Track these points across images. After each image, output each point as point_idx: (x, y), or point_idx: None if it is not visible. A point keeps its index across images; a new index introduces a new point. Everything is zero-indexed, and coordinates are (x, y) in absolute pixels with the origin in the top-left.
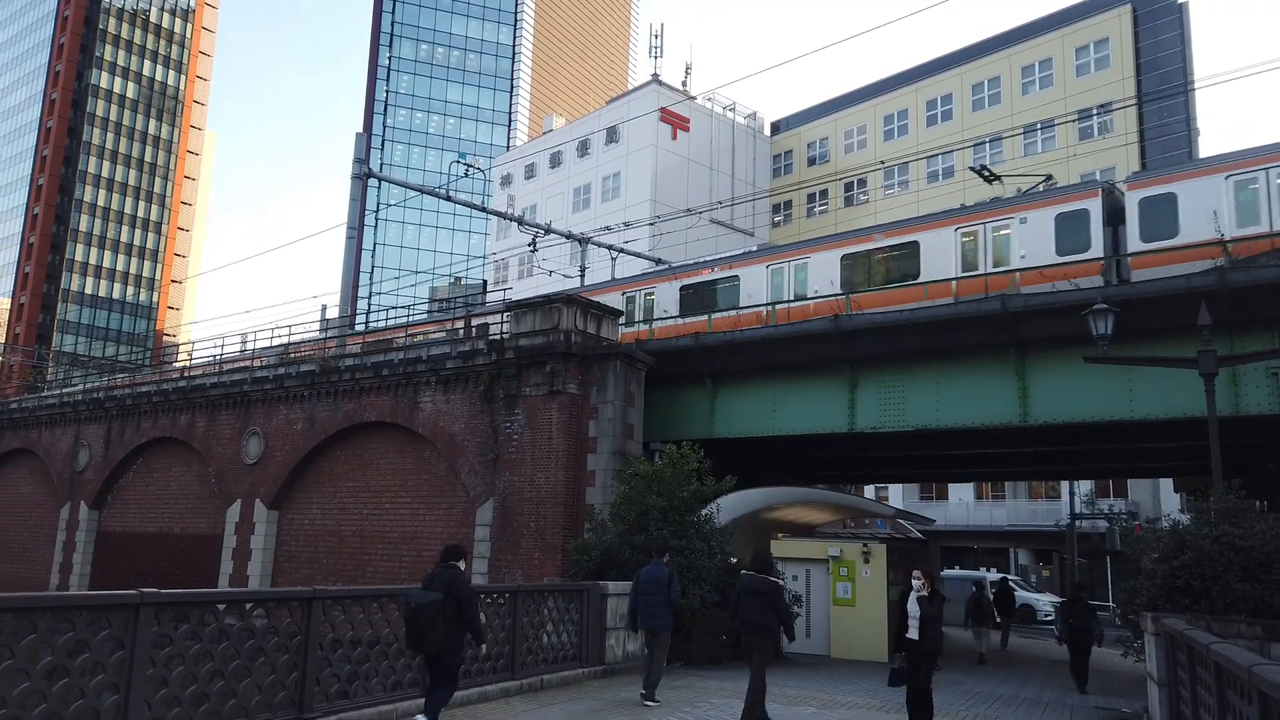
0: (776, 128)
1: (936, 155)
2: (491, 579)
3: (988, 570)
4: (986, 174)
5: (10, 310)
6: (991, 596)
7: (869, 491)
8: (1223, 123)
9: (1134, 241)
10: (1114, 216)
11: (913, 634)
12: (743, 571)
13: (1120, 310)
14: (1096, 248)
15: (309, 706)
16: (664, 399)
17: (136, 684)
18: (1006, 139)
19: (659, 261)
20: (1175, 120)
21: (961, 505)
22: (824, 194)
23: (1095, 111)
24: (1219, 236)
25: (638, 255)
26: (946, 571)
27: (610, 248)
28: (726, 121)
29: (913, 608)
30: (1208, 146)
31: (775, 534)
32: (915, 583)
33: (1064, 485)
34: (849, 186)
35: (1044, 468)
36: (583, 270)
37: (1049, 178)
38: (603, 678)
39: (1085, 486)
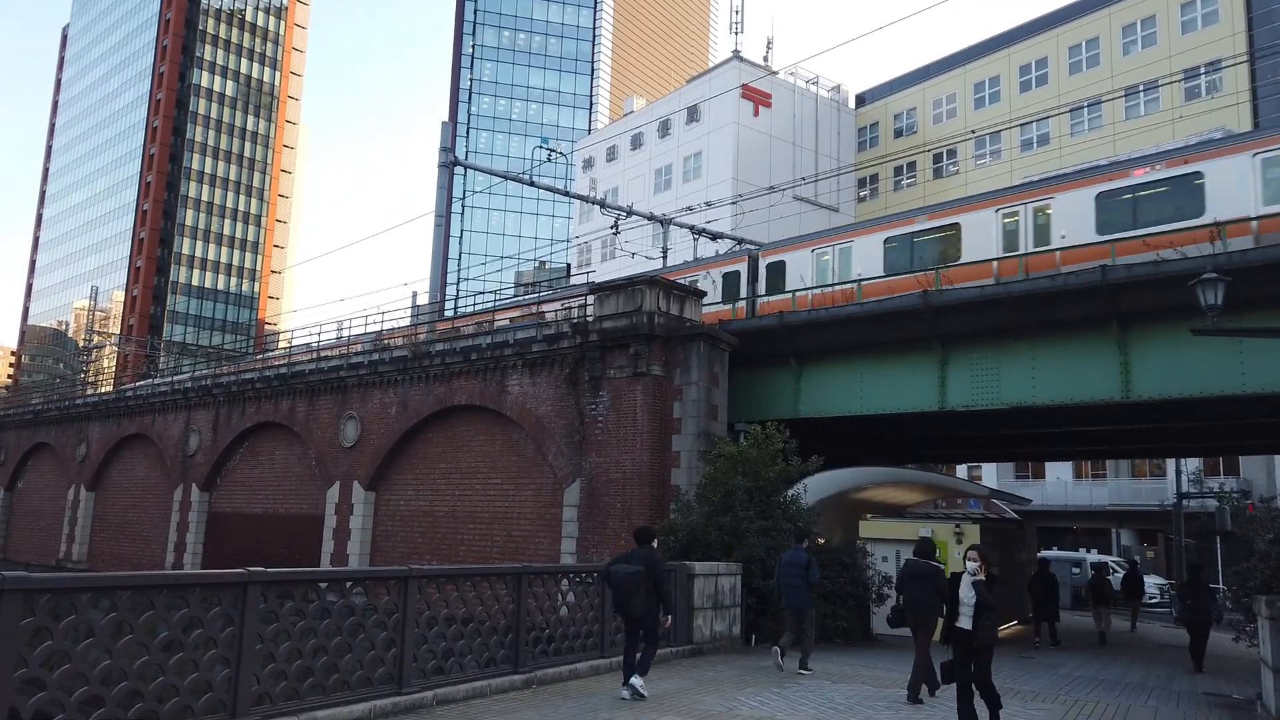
0: (861, 100)
1: (1030, 122)
2: (580, 558)
3: (1088, 551)
4: None
5: (124, 302)
6: (1122, 578)
7: (961, 471)
8: None
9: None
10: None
11: (964, 623)
12: (907, 558)
13: (1231, 279)
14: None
15: (407, 682)
16: (748, 379)
17: (245, 658)
18: (1106, 103)
19: (740, 242)
20: None
21: (1060, 484)
22: (911, 167)
23: (1203, 70)
24: None
25: (719, 235)
26: (1045, 553)
27: (692, 228)
28: (809, 96)
29: (966, 593)
30: None
31: (864, 514)
32: (970, 564)
33: (1169, 463)
34: (938, 158)
35: (1148, 445)
36: (665, 252)
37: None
38: (690, 656)
39: (1193, 464)
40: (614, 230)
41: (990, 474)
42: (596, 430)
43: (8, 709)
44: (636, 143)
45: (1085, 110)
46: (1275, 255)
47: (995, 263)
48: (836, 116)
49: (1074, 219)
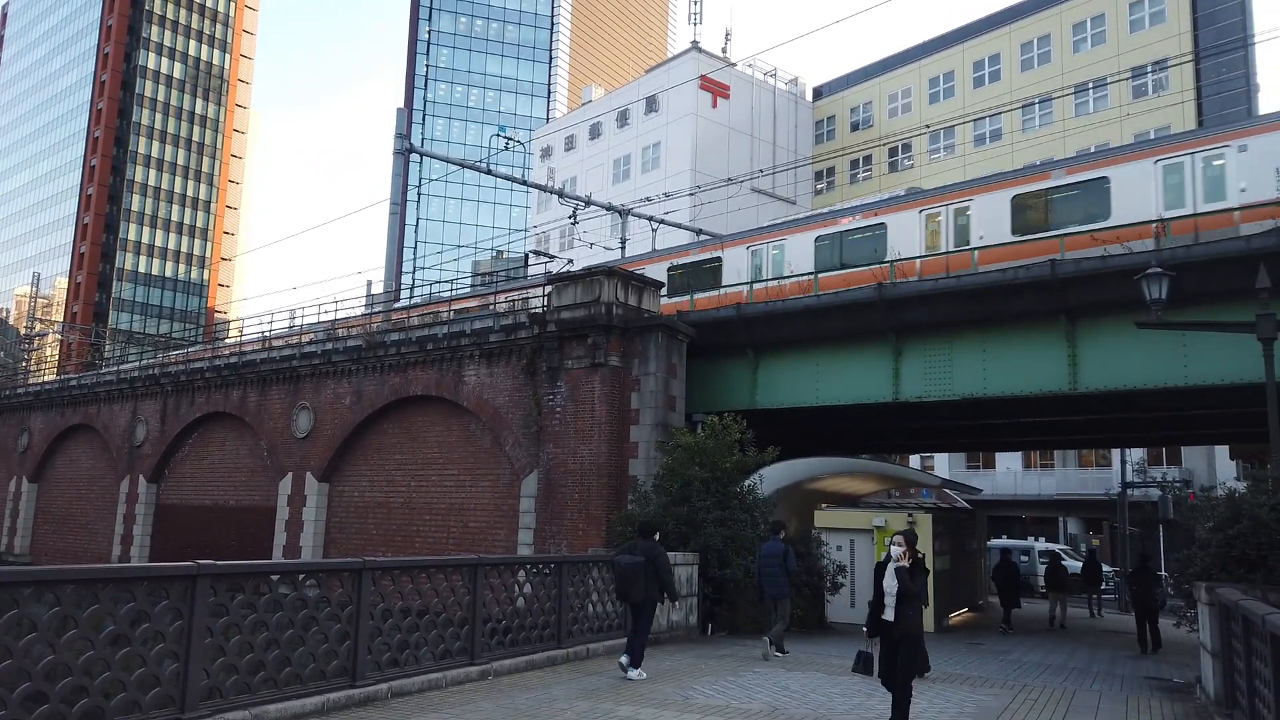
0: (819, 93)
1: (984, 118)
2: (537, 549)
3: (1036, 539)
4: None
5: (68, 289)
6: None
7: (914, 461)
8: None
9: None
10: None
11: (889, 614)
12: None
13: (1175, 274)
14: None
15: (361, 674)
16: (706, 370)
17: (195, 653)
18: (1057, 99)
19: (700, 233)
20: (1234, 76)
21: (1009, 474)
22: (868, 160)
23: (1150, 69)
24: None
25: (678, 226)
26: (994, 541)
27: (650, 219)
28: (767, 88)
29: (889, 582)
30: (1268, 103)
31: (819, 504)
32: (893, 549)
33: (1115, 453)
34: (893, 152)
35: (1094, 436)
36: (623, 242)
37: None
38: (648, 646)
39: (1137, 454)
40: (572, 220)
41: (942, 464)
42: (554, 421)
43: None
44: (595, 132)
45: (1036, 106)
46: (1218, 251)
47: (919, 262)
48: (794, 109)
49: (992, 220)
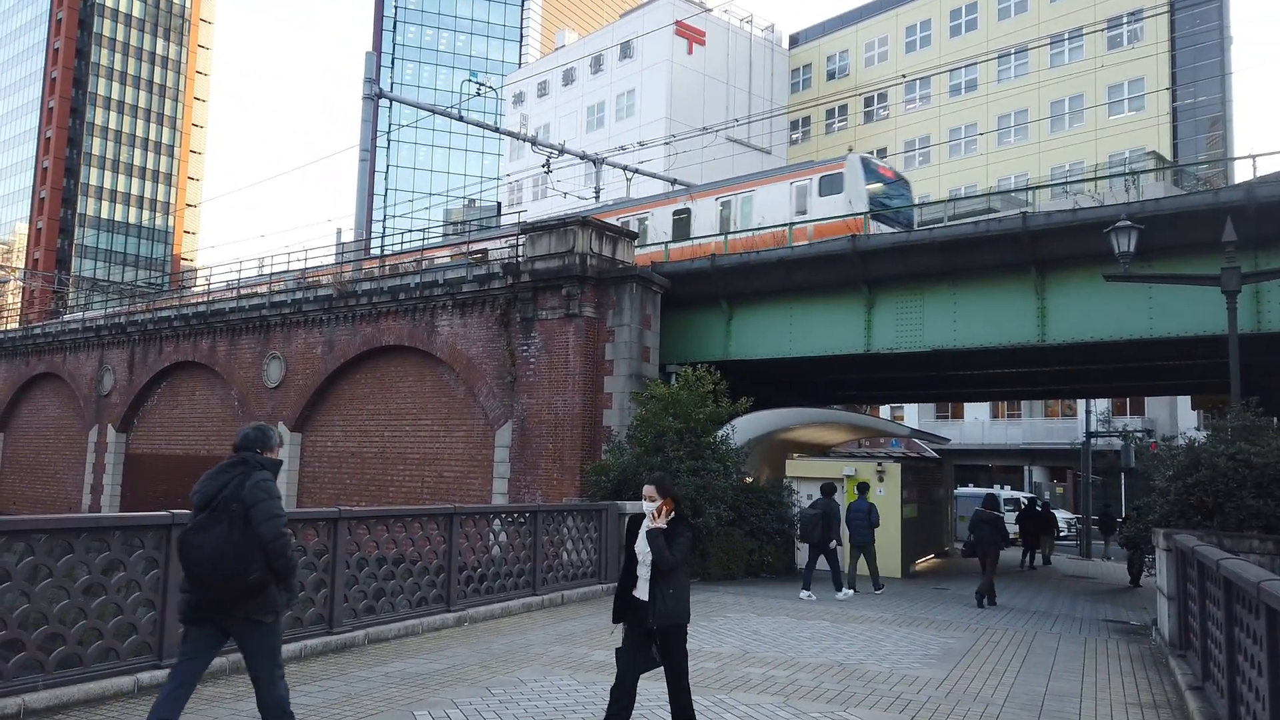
0: (795, 40)
1: (960, 68)
2: (511, 499)
3: (1002, 488)
4: None
5: (29, 235)
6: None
7: (885, 412)
8: (1259, 27)
9: None
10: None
11: (641, 592)
12: (976, 509)
13: (1143, 227)
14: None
15: (338, 622)
16: (680, 321)
17: (171, 601)
18: (1033, 50)
19: (674, 182)
20: (1208, 28)
21: (977, 424)
22: (843, 110)
23: (1125, 19)
24: None
25: (653, 175)
26: (961, 489)
27: (625, 168)
28: (744, 35)
29: (641, 547)
30: (1239, 55)
31: (790, 454)
32: (646, 505)
33: (1080, 403)
34: (869, 102)
35: (1061, 386)
36: (597, 192)
37: None
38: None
39: (1102, 405)
40: (545, 169)
41: (912, 414)
42: (528, 372)
43: None
44: (568, 78)
45: (1013, 57)
46: (1185, 204)
47: (713, 241)
48: (770, 57)
49: (774, 206)
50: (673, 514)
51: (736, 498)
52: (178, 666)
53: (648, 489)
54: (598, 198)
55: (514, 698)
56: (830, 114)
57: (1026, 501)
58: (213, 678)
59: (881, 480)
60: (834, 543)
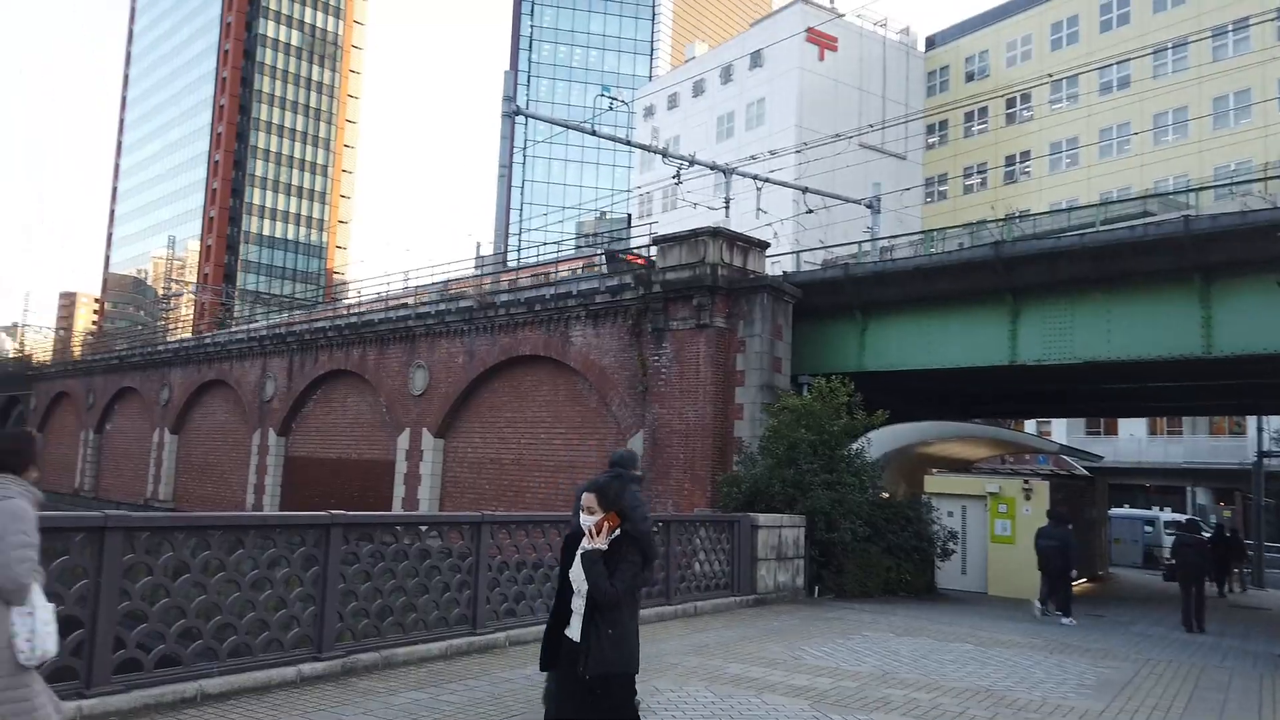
0: (931, 43)
1: (1111, 65)
2: None
3: (1161, 510)
4: None
5: (200, 252)
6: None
7: (1030, 426)
8: None
9: None
10: None
11: (575, 630)
12: (1179, 532)
13: None
14: None
15: (481, 623)
16: (812, 332)
17: (330, 596)
18: (1193, 43)
19: (805, 190)
20: None
21: (1133, 441)
22: (983, 112)
23: None
24: None
25: (783, 184)
26: (1115, 510)
27: (755, 177)
28: (876, 39)
29: (577, 574)
30: None
31: (929, 469)
32: (584, 518)
33: (1250, 420)
34: (1011, 103)
35: (1228, 401)
36: (727, 202)
37: None
38: (754, 606)
39: (1276, 422)
40: (675, 180)
41: (1060, 430)
42: (660, 381)
43: (112, 640)
44: (698, 89)
45: (1170, 52)
46: None
47: None
48: (905, 60)
49: None
50: (616, 531)
51: (873, 513)
52: None
53: (586, 497)
54: (727, 208)
55: (651, 707)
56: (969, 117)
57: (1213, 528)
58: (366, 671)
59: (1028, 499)
60: (1073, 571)
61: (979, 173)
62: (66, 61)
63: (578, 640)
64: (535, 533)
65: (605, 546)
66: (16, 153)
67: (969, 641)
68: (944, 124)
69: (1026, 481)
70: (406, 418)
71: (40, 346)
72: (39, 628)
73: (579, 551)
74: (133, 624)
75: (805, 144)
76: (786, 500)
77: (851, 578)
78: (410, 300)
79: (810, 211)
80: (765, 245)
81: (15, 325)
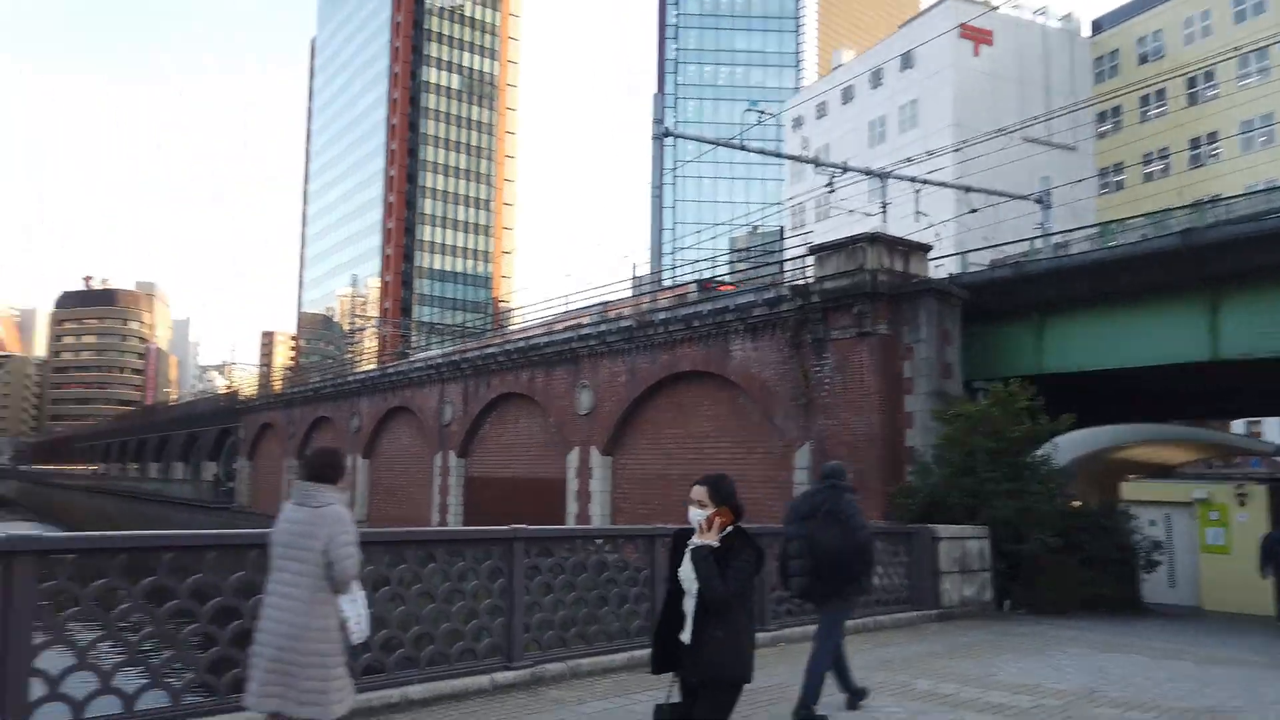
0: (1098, 26)
1: None
2: None
3: None
4: None
5: (379, 288)
6: None
7: (1237, 427)
8: None
9: None
10: None
11: (687, 633)
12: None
13: None
14: None
15: None
16: (983, 335)
17: (516, 607)
18: None
19: (968, 190)
20: None
21: None
22: (1160, 95)
23: None
24: None
25: (943, 185)
26: None
27: (912, 179)
28: (1035, 28)
29: (687, 573)
30: None
31: (1124, 476)
32: (694, 513)
33: None
34: (1192, 82)
35: None
36: (884, 207)
37: None
38: (939, 621)
39: None
40: (829, 189)
41: (1273, 428)
42: (823, 392)
43: None
44: (847, 96)
45: None
46: None
47: None
48: (1069, 47)
49: None
50: (729, 529)
51: (1064, 523)
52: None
53: (696, 490)
54: (884, 213)
55: None
56: (1145, 101)
57: None
58: (554, 680)
59: (1243, 504)
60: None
61: (1160, 158)
62: (258, 125)
63: (689, 643)
64: None
65: (716, 543)
66: (221, 213)
67: (1185, 658)
68: (1116, 110)
69: (1240, 486)
70: (575, 436)
71: (246, 382)
72: (361, 613)
73: (691, 546)
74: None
75: (964, 142)
76: (966, 510)
77: (1044, 591)
78: (571, 323)
79: (974, 211)
80: (927, 248)
81: (224, 364)
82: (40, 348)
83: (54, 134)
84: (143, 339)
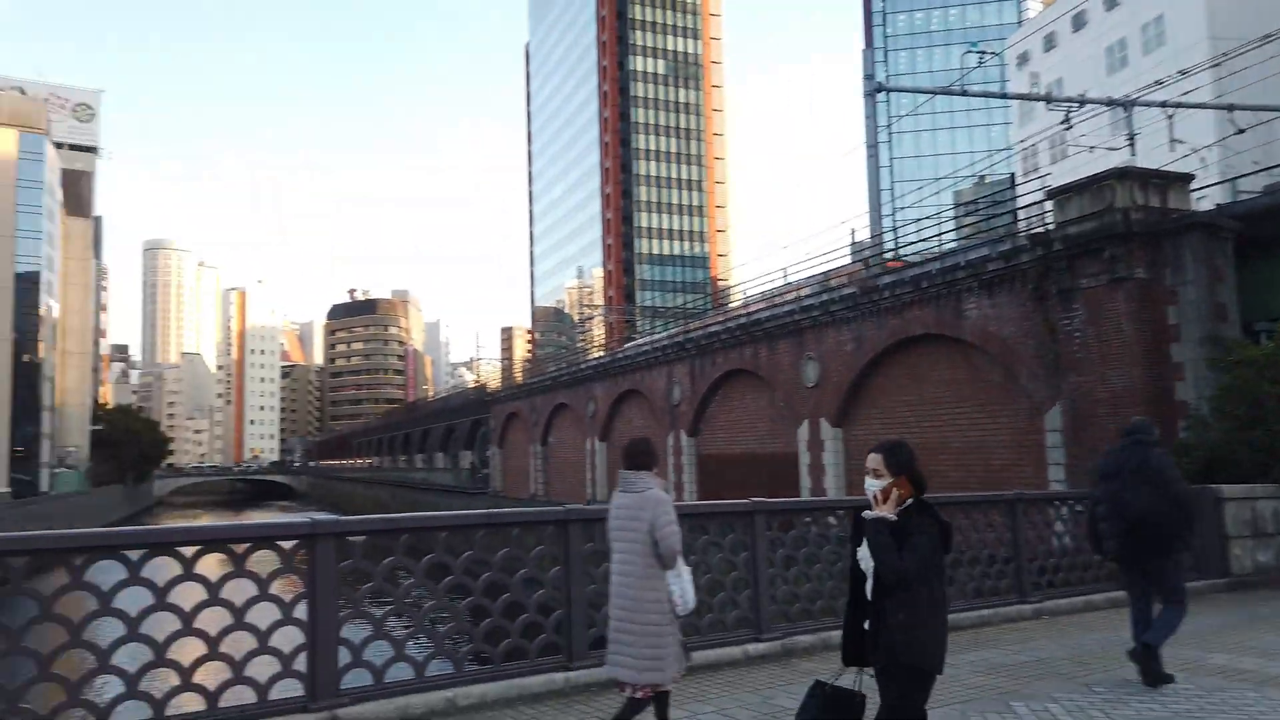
0: None
1: None
2: (1071, 486)
3: None
4: None
5: (603, 278)
6: None
7: None
8: None
9: None
10: None
11: (869, 620)
12: None
13: None
14: None
15: None
16: (1263, 269)
17: (761, 579)
18: None
19: (1231, 108)
20: None
21: None
22: None
23: None
24: None
25: (1201, 106)
26: None
27: (1164, 104)
28: None
29: (864, 553)
30: None
31: None
32: (870, 483)
33: None
34: None
35: None
36: (1131, 138)
37: None
38: (1229, 590)
39: None
40: (1065, 125)
41: None
42: (1073, 347)
43: (585, 619)
44: (1078, 23)
45: None
46: None
47: None
48: None
49: None
50: (908, 501)
51: None
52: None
53: (872, 458)
54: (1132, 145)
55: (1121, 698)
56: None
57: None
58: (805, 652)
59: None
60: None
61: None
62: (487, 132)
63: (869, 629)
64: (959, 514)
65: (893, 516)
66: (459, 219)
67: None
68: None
69: None
70: (804, 409)
71: (491, 376)
72: (686, 587)
73: (865, 518)
74: (598, 605)
75: (1224, 55)
76: (1257, 467)
77: None
78: (793, 295)
79: (1240, 131)
80: (1189, 178)
81: (471, 360)
82: (318, 356)
83: (291, 146)
84: (401, 342)
